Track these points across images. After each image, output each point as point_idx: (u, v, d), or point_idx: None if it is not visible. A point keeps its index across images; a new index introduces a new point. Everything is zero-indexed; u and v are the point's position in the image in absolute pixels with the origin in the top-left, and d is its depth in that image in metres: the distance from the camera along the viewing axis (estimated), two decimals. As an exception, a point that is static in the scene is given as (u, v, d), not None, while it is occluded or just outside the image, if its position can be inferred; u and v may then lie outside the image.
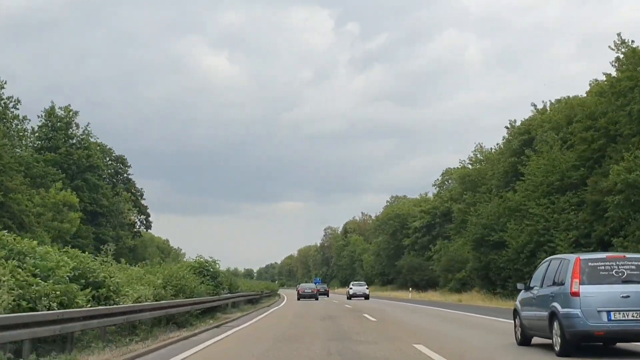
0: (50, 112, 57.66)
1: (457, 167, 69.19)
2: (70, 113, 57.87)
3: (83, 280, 12.18)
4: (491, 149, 66.96)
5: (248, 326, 17.32)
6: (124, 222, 61.77)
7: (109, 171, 66.85)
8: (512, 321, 12.80)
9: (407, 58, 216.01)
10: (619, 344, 11.24)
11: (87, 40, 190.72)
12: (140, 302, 14.10)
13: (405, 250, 78.64)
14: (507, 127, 59.81)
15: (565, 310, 10.02)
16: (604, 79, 33.17)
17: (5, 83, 46.62)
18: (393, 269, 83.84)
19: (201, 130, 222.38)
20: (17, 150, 47.08)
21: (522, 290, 12.53)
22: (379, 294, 79.23)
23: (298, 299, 44.00)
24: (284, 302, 37.97)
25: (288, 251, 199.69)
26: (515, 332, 12.51)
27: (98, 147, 64.99)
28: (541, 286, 11.40)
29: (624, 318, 9.80)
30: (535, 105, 52.15)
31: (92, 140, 58.72)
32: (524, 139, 48.30)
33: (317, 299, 45.44)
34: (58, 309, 9.75)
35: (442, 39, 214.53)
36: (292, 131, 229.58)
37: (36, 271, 10.66)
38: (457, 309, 29.76)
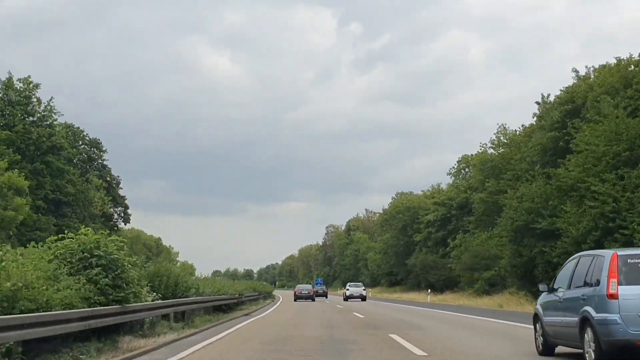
0: (7, 85, 49.47)
1: (477, 153, 60.97)
2: (30, 85, 49.62)
3: None
4: (515, 131, 58.93)
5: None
6: (95, 214, 53.50)
7: (81, 156, 58.64)
8: (532, 327, 11.49)
9: (410, 58, 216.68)
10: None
11: (89, 40, 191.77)
12: None
13: (416, 247, 70.32)
14: (538, 103, 51.70)
15: (601, 315, 8.70)
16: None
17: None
18: (402, 268, 75.50)
19: (203, 130, 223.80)
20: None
21: (544, 293, 11.14)
22: (386, 296, 70.91)
23: (295, 300, 45.42)
24: (273, 307, 29.96)
25: (290, 252, 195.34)
26: (536, 340, 11.26)
27: (68, 129, 56.90)
28: (568, 287, 10.09)
29: None
30: (577, 72, 43.97)
31: (56, 117, 50.25)
32: (567, 109, 40.15)
33: (313, 300, 46.61)
34: None
35: (444, 39, 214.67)
36: (295, 131, 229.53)
37: None
38: (503, 318, 21.66)
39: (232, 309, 23.29)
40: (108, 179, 59.58)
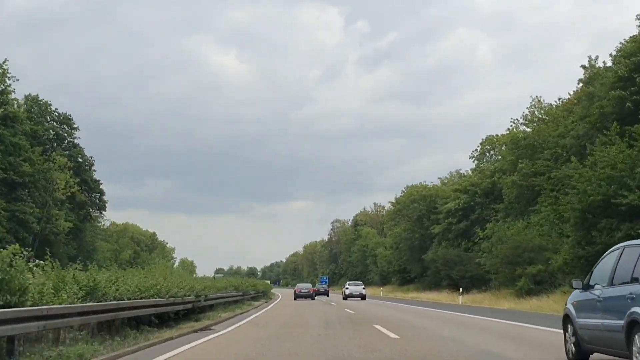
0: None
1: (507, 131, 52.65)
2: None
3: None
4: (551, 105, 50.68)
5: None
6: (60, 199, 45.41)
7: (48, 135, 50.54)
8: (562, 331, 9.74)
9: (416, 57, 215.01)
10: None
11: (94, 38, 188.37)
12: None
13: (434, 241, 62.01)
14: (584, 67, 43.34)
15: None
16: None
17: None
18: (417, 265, 67.19)
19: (208, 129, 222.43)
20: None
21: (578, 290, 9.52)
22: (400, 295, 62.56)
23: (295, 299, 46.20)
24: (256, 314, 21.63)
25: (295, 250, 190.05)
26: (566, 346, 9.62)
27: (32, 102, 48.88)
28: (610, 284, 8.54)
29: None
30: (640, 18, 35.52)
31: (9, 83, 42.11)
32: (636, 61, 31.79)
33: (313, 298, 47.60)
34: None
35: (452, 38, 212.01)
36: (300, 130, 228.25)
37: None
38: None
39: (188, 318, 15.32)
40: (80, 159, 51.46)
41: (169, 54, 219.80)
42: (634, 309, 7.51)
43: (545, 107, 50.80)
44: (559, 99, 51.36)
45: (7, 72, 41.83)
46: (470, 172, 61.85)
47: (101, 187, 54.13)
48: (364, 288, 49.66)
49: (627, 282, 8.02)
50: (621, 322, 7.76)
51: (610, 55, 37.23)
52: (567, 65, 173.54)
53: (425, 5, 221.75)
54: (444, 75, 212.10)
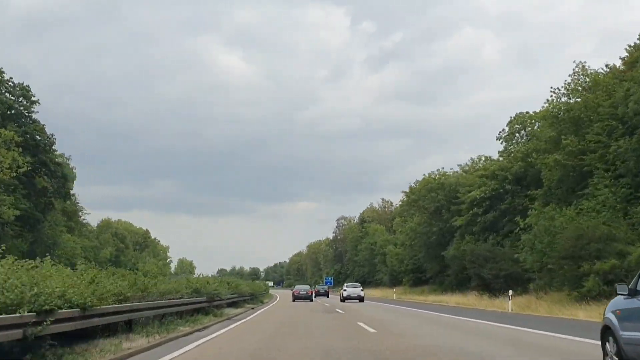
0: None
1: (546, 104, 44.32)
2: None
3: None
4: (597, 70, 42.49)
5: None
6: (7, 181, 37.32)
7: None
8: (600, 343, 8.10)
9: (423, 56, 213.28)
10: None
11: (101, 38, 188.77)
12: None
13: (455, 235, 53.76)
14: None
15: None
16: None
17: None
18: (435, 263, 59.00)
19: (214, 130, 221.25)
20: None
21: (622, 296, 7.92)
22: (416, 298, 54.22)
23: (293, 300, 46.69)
24: (205, 339, 13.28)
25: (299, 250, 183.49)
26: None
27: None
28: None
29: None
30: None
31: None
32: None
33: (311, 300, 48.50)
34: None
35: (458, 38, 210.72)
36: (306, 130, 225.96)
37: None
38: None
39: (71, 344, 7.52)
40: (38, 137, 43.34)
41: (173, 55, 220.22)
42: None
43: (591, 74, 42.56)
44: (607, 66, 43.37)
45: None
46: (497, 157, 53.53)
47: (65, 171, 45.94)
48: (362, 290, 48.51)
49: None
50: None
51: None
52: (575, 64, 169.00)
53: (431, 4, 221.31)
54: (450, 75, 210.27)
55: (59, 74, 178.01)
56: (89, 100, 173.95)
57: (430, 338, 13.43)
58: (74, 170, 69.15)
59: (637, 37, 39.86)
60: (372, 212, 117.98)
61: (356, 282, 67.65)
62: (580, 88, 42.38)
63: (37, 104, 43.65)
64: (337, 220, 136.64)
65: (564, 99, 43.45)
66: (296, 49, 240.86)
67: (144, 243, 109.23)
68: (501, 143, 52.68)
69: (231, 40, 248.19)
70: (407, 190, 60.38)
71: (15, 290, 7.45)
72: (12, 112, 43.35)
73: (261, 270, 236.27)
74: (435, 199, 56.66)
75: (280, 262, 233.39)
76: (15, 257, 10.35)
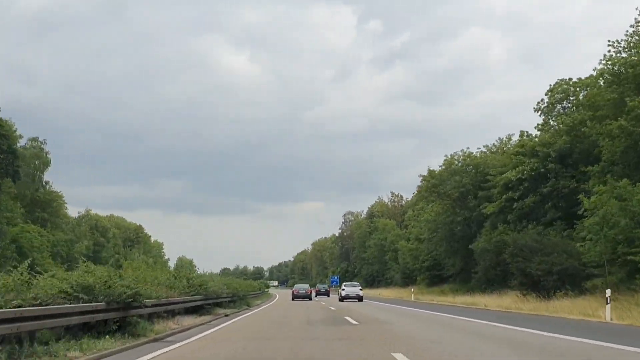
0: None
1: (600, 64, 36.14)
2: None
3: None
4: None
5: None
6: None
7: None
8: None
9: (429, 56, 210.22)
10: None
11: (106, 38, 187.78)
12: None
13: (485, 225, 45.53)
14: None
15: None
16: None
17: None
18: (458, 258, 50.83)
19: (219, 130, 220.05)
20: None
21: None
22: (439, 300, 45.41)
23: (292, 299, 48.05)
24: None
25: (304, 248, 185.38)
26: None
27: None
28: None
29: None
30: None
31: None
32: None
33: (310, 299, 49.54)
34: None
35: (465, 38, 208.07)
36: (312, 130, 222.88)
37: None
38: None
39: None
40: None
41: (182, 56, 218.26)
42: None
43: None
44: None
45: None
46: (536, 132, 45.24)
47: (14, 147, 37.88)
48: (360, 289, 47.10)
49: None
50: None
51: None
52: (581, 64, 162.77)
53: (438, 4, 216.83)
54: (457, 75, 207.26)
55: (62, 74, 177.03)
56: (93, 101, 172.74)
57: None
58: (47, 156, 61.72)
59: None
60: (381, 207, 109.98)
61: (364, 281, 65.21)
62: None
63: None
64: (344, 215, 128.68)
65: (624, 55, 35.27)
66: (303, 49, 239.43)
67: (136, 239, 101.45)
68: (540, 115, 44.45)
69: (236, 40, 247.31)
70: (426, 174, 51.95)
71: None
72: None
73: (265, 269, 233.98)
74: (460, 183, 48.41)
75: (284, 262, 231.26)
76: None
